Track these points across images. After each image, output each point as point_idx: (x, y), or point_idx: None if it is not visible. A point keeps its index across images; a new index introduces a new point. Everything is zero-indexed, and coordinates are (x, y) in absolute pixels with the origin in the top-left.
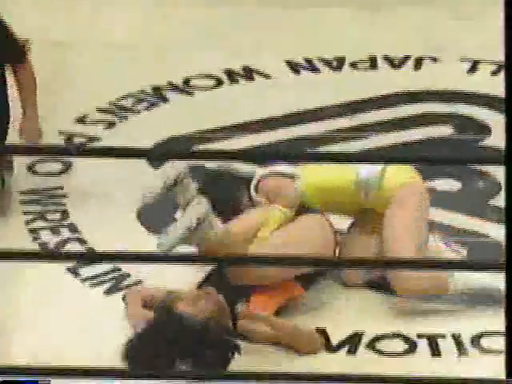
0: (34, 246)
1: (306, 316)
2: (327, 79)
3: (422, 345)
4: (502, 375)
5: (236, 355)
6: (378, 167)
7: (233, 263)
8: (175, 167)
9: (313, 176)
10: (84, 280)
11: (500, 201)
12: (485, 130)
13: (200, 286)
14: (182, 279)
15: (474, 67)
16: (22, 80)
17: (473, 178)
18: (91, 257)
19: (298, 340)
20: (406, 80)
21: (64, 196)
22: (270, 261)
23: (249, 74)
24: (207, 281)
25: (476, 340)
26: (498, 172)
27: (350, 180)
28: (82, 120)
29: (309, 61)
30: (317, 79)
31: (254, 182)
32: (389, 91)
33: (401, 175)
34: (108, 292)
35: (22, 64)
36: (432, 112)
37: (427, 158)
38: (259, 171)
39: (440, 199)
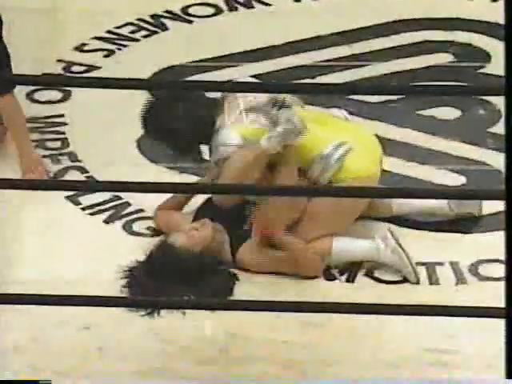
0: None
1: None
2: (327, 7)
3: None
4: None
5: (236, 284)
6: (343, 150)
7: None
8: None
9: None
10: (84, 208)
11: (499, 129)
12: (485, 57)
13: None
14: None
15: None
16: (8, 113)
17: (472, 105)
18: (92, 186)
19: (302, 262)
20: (405, 7)
21: (64, 124)
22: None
23: (248, 2)
24: (200, 213)
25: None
26: (499, 100)
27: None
28: (80, 48)
29: None
30: (317, 7)
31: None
32: (388, 19)
33: (359, 164)
34: (108, 221)
35: (5, 96)
36: (431, 39)
37: (425, 89)
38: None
39: (439, 127)
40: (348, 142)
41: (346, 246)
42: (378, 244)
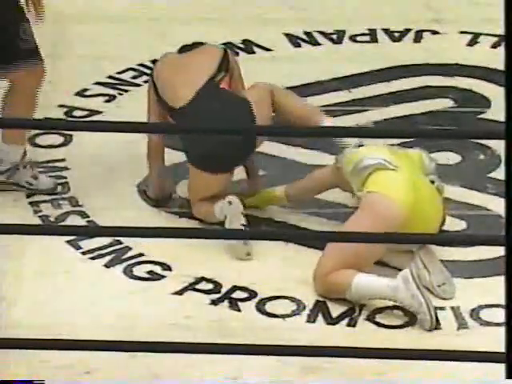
0: (35, 220)
1: None
2: (327, 52)
3: None
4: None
5: None
6: (383, 162)
7: None
8: None
9: None
10: (84, 253)
11: (499, 174)
12: (484, 102)
13: None
14: None
15: (474, 40)
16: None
17: (472, 150)
18: (92, 231)
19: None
20: (405, 53)
21: (65, 169)
22: None
23: (249, 47)
24: None
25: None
26: (498, 145)
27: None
28: (82, 93)
29: (308, 34)
30: (317, 52)
31: None
32: (388, 64)
33: (376, 184)
34: (108, 265)
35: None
36: (432, 85)
37: (427, 133)
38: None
39: (439, 172)
40: (396, 164)
41: (366, 283)
42: (398, 284)
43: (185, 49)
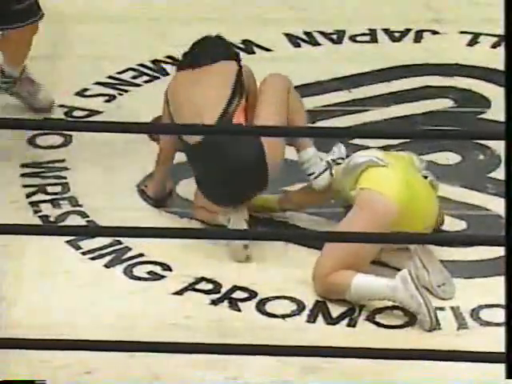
0: (34, 220)
1: None
2: (327, 52)
3: None
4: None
5: None
6: (374, 159)
7: None
8: None
9: None
10: (84, 253)
11: (499, 174)
12: (484, 102)
13: None
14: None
15: (474, 40)
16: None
17: (472, 151)
18: (93, 231)
19: None
20: (405, 53)
21: (65, 169)
22: None
23: (249, 47)
24: None
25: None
26: (498, 145)
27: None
28: (82, 93)
29: (308, 34)
30: (317, 52)
31: None
32: (388, 64)
33: (369, 181)
34: (108, 265)
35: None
36: (432, 85)
37: (427, 134)
38: None
39: (439, 172)
40: (387, 161)
41: (365, 283)
42: (397, 285)
43: (197, 57)
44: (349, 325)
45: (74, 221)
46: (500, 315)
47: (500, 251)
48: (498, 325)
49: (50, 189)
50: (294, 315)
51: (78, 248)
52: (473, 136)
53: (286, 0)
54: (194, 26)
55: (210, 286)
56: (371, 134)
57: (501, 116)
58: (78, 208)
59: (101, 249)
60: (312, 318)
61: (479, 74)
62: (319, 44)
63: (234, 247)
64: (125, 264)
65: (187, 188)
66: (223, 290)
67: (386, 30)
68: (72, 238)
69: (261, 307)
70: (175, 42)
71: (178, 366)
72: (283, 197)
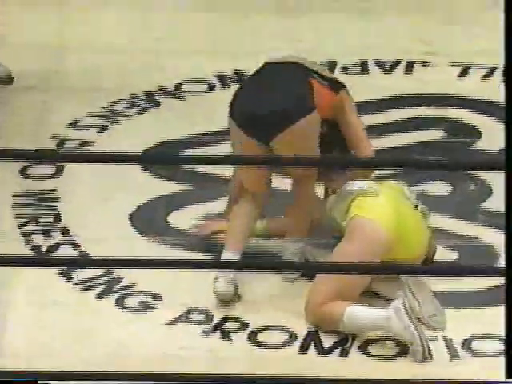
0: (26, 250)
1: None
2: None
3: None
4: None
5: None
6: (365, 187)
7: None
8: None
9: None
10: (76, 284)
11: (490, 204)
12: (475, 133)
13: None
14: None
15: (464, 72)
16: None
17: (463, 181)
18: (84, 262)
19: None
20: (398, 84)
21: (56, 199)
22: None
23: (240, 77)
24: None
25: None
26: (488, 176)
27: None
28: (74, 125)
29: None
30: None
31: None
32: (380, 95)
33: (360, 208)
34: (100, 296)
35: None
36: (423, 116)
37: (423, 163)
38: None
39: (430, 203)
40: (378, 189)
41: (358, 313)
42: (391, 315)
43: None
44: (341, 355)
45: (66, 251)
46: (492, 346)
47: (491, 282)
48: (489, 356)
49: (41, 219)
50: (286, 345)
51: (70, 278)
52: (472, 166)
53: (280, 31)
54: (188, 59)
55: (201, 317)
56: (364, 163)
57: (492, 146)
58: (69, 238)
59: (92, 279)
60: (304, 348)
61: (470, 105)
62: None
63: (223, 291)
64: (116, 295)
65: (179, 218)
66: (215, 321)
67: (378, 61)
68: (63, 268)
69: (252, 337)
70: (168, 74)
71: None
72: (271, 219)
